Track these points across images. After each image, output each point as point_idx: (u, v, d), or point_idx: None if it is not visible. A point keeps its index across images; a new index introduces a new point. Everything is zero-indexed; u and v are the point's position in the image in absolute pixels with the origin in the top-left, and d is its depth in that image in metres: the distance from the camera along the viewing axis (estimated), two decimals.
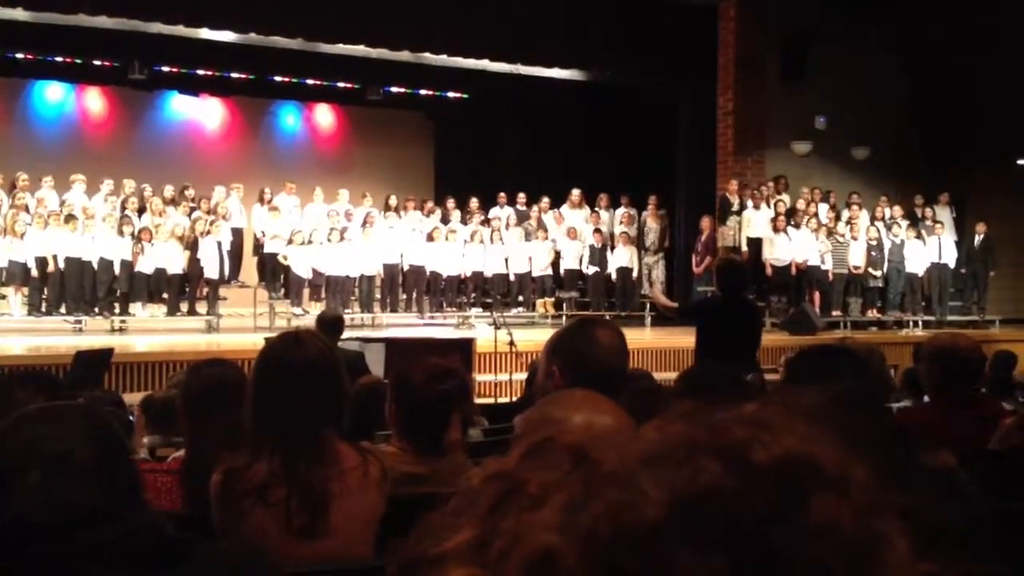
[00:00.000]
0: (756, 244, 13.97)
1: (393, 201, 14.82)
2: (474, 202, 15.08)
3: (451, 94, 17.44)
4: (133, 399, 5.67)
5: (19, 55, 14.87)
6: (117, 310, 12.54)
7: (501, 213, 15.29)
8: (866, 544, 0.54)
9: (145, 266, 12.49)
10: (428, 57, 13.64)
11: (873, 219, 14.81)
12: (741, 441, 0.56)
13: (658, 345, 11.18)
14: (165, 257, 12.58)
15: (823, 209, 14.65)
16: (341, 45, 13.31)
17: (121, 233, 12.43)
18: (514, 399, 8.24)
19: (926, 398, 4.30)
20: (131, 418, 4.31)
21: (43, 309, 12.32)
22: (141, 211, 13.22)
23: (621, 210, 15.27)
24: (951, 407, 3.69)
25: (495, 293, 14.44)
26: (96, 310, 12.40)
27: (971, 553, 0.63)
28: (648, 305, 14.01)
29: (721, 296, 6.77)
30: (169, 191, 13.72)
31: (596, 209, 15.36)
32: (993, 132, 14.60)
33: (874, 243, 14.47)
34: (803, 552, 0.52)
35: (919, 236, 14.73)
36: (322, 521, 2.37)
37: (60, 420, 1.55)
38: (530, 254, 14.64)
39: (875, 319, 14.62)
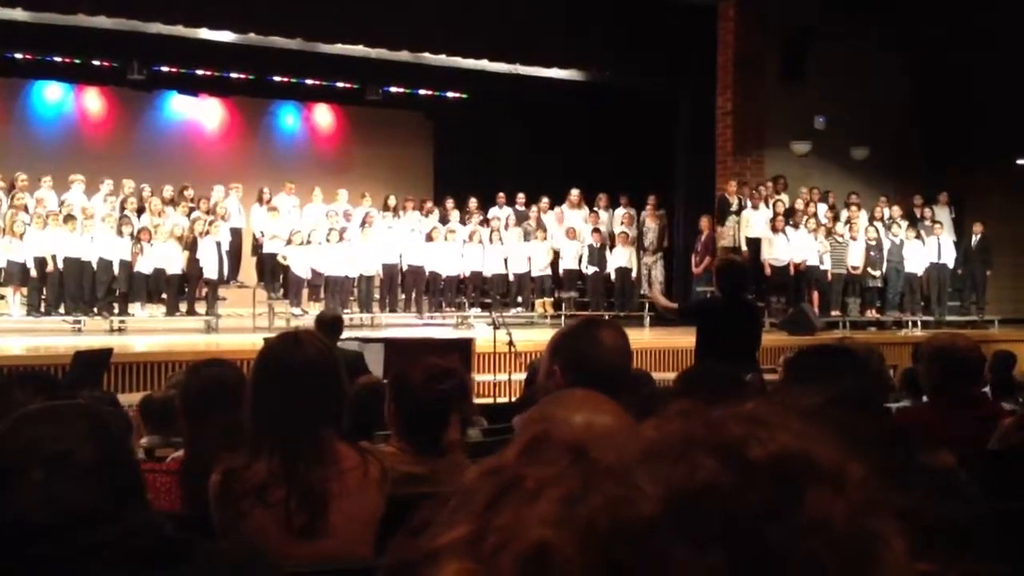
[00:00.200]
0: (755, 244, 13.95)
1: (392, 201, 14.81)
2: (473, 202, 15.05)
3: (450, 94, 17.42)
4: (132, 399, 5.69)
5: (18, 55, 14.86)
6: (116, 310, 12.53)
7: (500, 213, 15.27)
8: (862, 542, 0.54)
9: (144, 266, 12.48)
10: (427, 57, 13.64)
11: (872, 219, 14.79)
12: (737, 438, 0.56)
13: (658, 345, 11.19)
14: (164, 257, 12.57)
15: (822, 209, 14.64)
16: (340, 45, 13.30)
17: (120, 233, 12.42)
18: (513, 399, 8.24)
19: (925, 398, 4.30)
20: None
21: (42, 309, 12.31)
22: (140, 211, 13.21)
23: (620, 210, 15.26)
24: (950, 407, 3.68)
25: (494, 293, 14.44)
26: (95, 310, 12.39)
27: (970, 553, 0.63)
28: (647, 305, 13.99)
29: (721, 296, 6.77)
30: (168, 191, 13.70)
31: (595, 209, 15.34)
32: (993, 132, 14.59)
33: (873, 243, 14.46)
34: (798, 548, 0.52)
35: (918, 236, 14.71)
36: (322, 521, 2.37)
37: (60, 420, 1.55)
38: (529, 254, 14.62)
39: (874, 319, 14.61)
